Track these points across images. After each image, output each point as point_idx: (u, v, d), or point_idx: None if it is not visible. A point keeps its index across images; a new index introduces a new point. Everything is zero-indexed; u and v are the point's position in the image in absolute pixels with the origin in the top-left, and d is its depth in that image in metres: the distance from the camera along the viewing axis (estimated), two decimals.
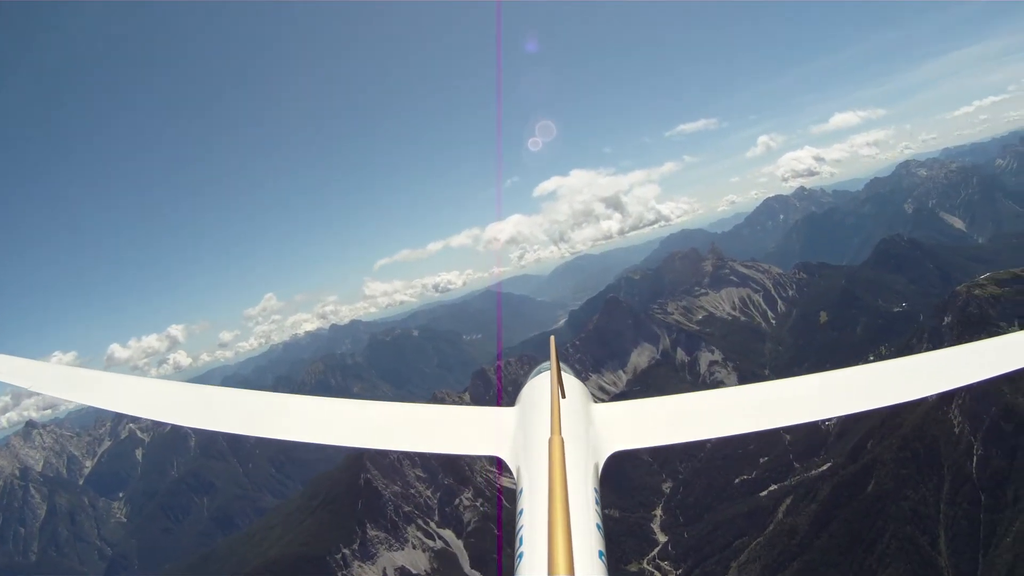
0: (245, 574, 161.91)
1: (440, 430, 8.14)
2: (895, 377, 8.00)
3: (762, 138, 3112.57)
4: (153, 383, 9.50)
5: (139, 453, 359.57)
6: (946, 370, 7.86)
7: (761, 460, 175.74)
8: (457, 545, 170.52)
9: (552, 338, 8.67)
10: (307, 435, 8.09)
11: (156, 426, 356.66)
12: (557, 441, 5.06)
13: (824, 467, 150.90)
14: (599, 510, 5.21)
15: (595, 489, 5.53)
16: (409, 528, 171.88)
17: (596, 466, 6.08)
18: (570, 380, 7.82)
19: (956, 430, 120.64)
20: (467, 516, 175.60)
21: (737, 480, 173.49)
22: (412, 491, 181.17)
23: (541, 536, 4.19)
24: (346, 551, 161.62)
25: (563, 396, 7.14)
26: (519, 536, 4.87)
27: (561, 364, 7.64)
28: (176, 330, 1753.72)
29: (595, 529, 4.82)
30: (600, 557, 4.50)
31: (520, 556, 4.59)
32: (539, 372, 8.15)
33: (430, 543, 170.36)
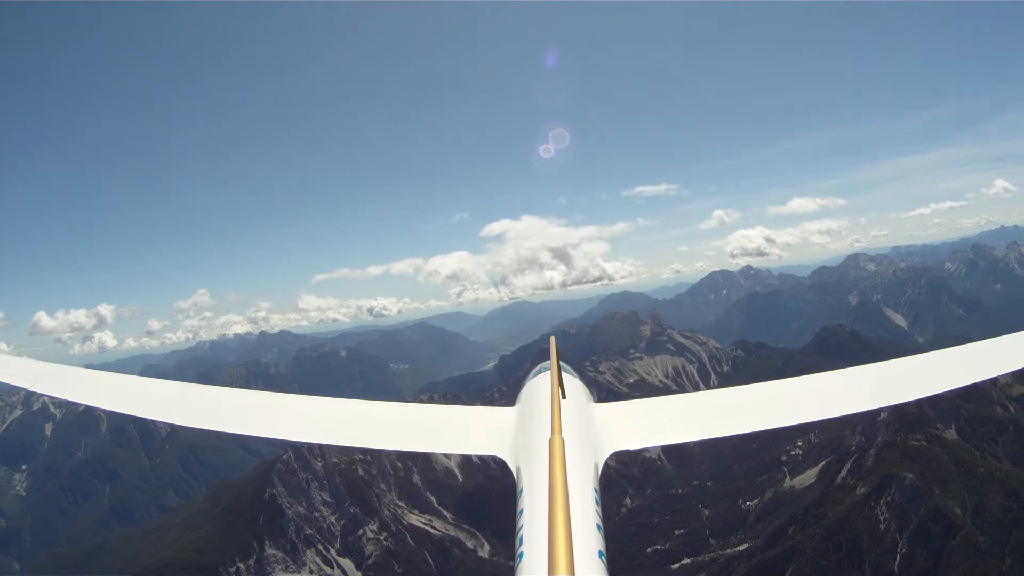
0: (135, 572, 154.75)
1: (440, 430, 8.27)
2: (896, 378, 8.14)
3: (718, 212, 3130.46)
4: (154, 383, 9.75)
5: (48, 428, 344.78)
6: (948, 371, 8.04)
7: (676, 532, 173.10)
8: None
9: (552, 337, 8.83)
10: (308, 435, 8.48)
11: (70, 403, 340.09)
12: (558, 441, 5.10)
13: (741, 547, 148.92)
14: (599, 510, 5.24)
15: (595, 489, 5.56)
16: (308, 552, 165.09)
17: (596, 466, 6.08)
18: (570, 380, 7.89)
19: (882, 526, 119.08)
20: (369, 548, 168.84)
21: (649, 549, 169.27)
22: (316, 514, 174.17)
23: (541, 536, 4.24)
24: (241, 565, 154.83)
25: (563, 396, 7.14)
26: (519, 536, 4.93)
27: (561, 364, 7.72)
28: (106, 310, 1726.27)
29: (595, 529, 4.88)
30: (600, 557, 4.58)
31: (520, 556, 4.66)
32: (539, 372, 8.26)
33: (328, 570, 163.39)
